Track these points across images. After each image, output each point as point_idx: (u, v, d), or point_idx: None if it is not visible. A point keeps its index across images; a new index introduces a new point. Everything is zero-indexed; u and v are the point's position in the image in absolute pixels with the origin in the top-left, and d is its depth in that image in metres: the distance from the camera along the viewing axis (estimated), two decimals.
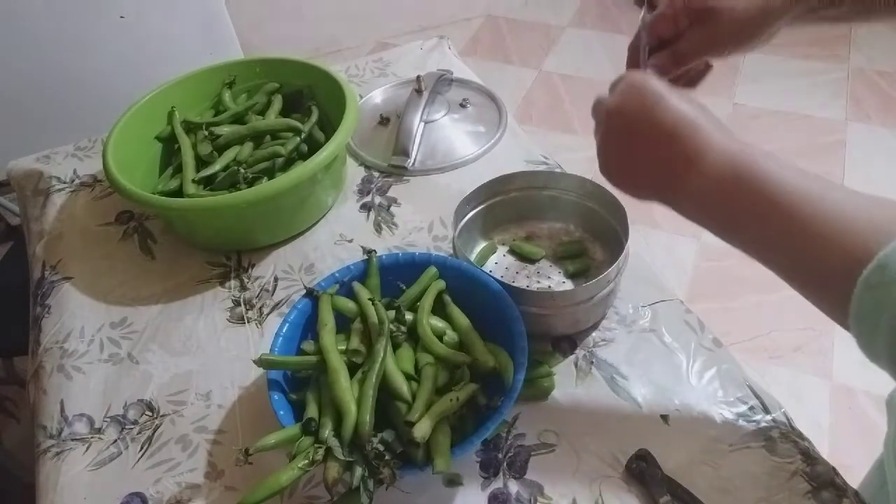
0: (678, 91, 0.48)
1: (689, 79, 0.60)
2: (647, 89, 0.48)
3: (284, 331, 0.64)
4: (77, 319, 0.79)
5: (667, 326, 0.72)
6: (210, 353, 0.75)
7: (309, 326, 0.66)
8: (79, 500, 0.63)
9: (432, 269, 0.68)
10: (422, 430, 0.54)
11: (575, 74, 2.57)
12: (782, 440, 0.62)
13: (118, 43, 1.66)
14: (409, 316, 0.65)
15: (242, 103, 0.96)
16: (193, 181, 0.84)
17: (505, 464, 0.62)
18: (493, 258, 0.80)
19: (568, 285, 0.76)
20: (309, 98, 0.95)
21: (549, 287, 0.76)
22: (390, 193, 0.92)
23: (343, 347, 0.62)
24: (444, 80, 1.04)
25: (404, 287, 0.69)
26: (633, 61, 0.58)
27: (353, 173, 0.96)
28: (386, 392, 0.58)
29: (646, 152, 0.49)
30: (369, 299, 0.65)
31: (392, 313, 0.64)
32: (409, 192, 0.92)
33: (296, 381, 0.63)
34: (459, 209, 0.76)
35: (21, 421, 1.54)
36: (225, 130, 0.90)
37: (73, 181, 0.99)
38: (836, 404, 1.51)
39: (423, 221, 0.87)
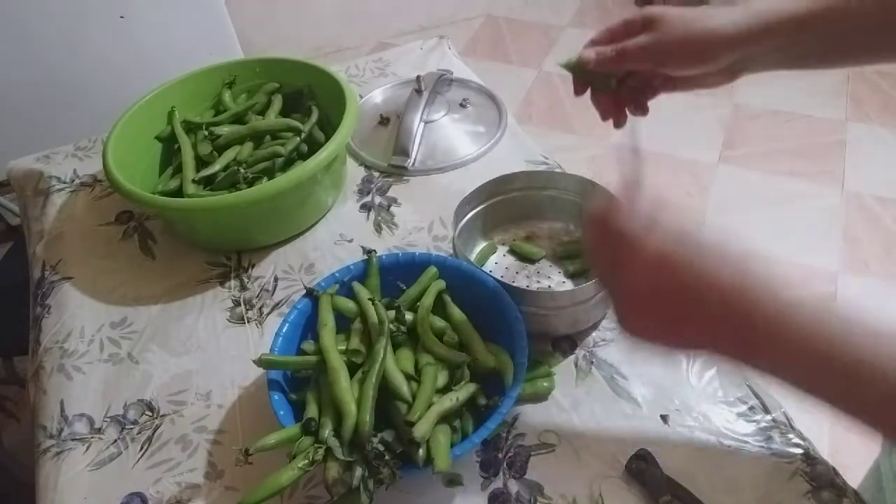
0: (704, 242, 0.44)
1: (637, 102, 0.61)
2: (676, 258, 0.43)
3: (284, 331, 0.64)
4: (77, 319, 0.79)
5: None
6: (210, 353, 0.75)
7: (309, 326, 0.66)
8: (79, 500, 0.63)
9: (432, 269, 0.68)
10: (422, 430, 0.54)
11: None
12: (782, 440, 0.62)
13: (118, 43, 1.66)
14: (409, 316, 0.65)
15: (242, 103, 0.96)
16: (193, 181, 0.84)
17: (505, 464, 0.62)
18: (493, 258, 0.80)
19: (568, 285, 0.76)
20: (309, 98, 0.95)
21: (549, 287, 0.76)
22: (390, 193, 0.92)
23: (343, 347, 0.62)
24: (444, 80, 1.04)
25: (404, 287, 0.69)
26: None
27: (353, 173, 0.96)
28: (386, 392, 0.58)
29: (698, 319, 0.43)
30: (369, 299, 0.65)
31: (392, 313, 0.64)
32: (409, 192, 0.92)
33: (296, 381, 0.63)
34: (459, 209, 0.76)
35: (21, 421, 1.54)
36: (225, 130, 0.90)
37: (73, 181, 0.99)
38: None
39: (423, 221, 0.87)
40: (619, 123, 0.63)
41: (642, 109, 0.62)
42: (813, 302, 0.40)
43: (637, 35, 0.56)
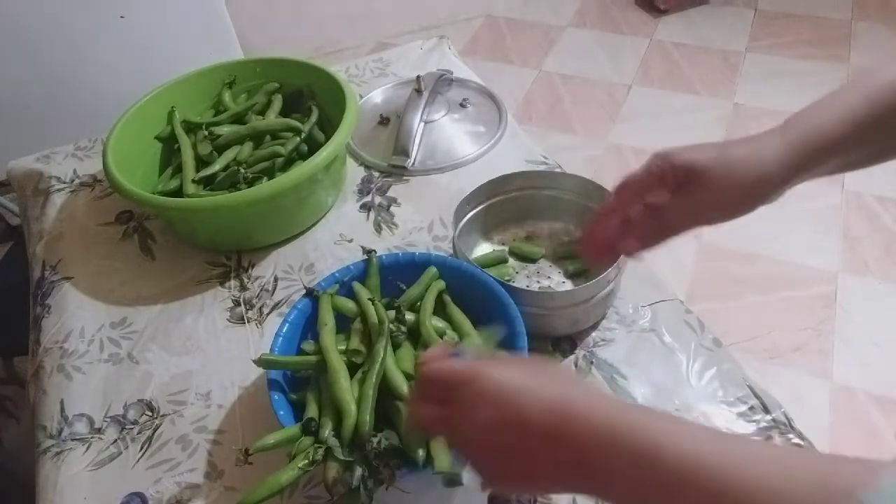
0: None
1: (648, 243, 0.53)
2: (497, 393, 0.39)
3: (284, 331, 0.64)
4: (77, 319, 0.79)
5: (667, 326, 0.72)
6: (210, 353, 0.75)
7: (309, 326, 0.66)
8: (79, 500, 0.63)
9: (432, 269, 0.68)
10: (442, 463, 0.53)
11: (575, 74, 2.57)
12: (782, 440, 0.62)
13: (118, 43, 1.65)
14: (409, 316, 0.65)
15: (242, 103, 0.96)
16: (193, 181, 0.84)
17: None
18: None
19: (568, 285, 0.76)
20: (309, 98, 0.95)
21: (549, 287, 0.76)
22: (390, 193, 0.92)
23: (343, 347, 0.62)
24: (444, 80, 1.04)
25: (404, 287, 0.69)
26: (601, 227, 0.53)
27: (353, 173, 0.96)
28: (386, 392, 0.58)
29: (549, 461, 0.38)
30: (369, 299, 0.65)
31: (392, 313, 0.64)
32: (409, 192, 0.92)
33: (296, 381, 0.63)
34: (459, 209, 0.76)
35: (21, 421, 1.54)
36: (225, 130, 0.90)
37: (73, 181, 0.99)
38: (836, 404, 1.51)
39: (423, 221, 0.87)
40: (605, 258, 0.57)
41: (648, 247, 0.54)
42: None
43: (673, 193, 0.49)
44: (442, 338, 0.64)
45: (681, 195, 0.49)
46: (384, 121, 1.00)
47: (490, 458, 0.41)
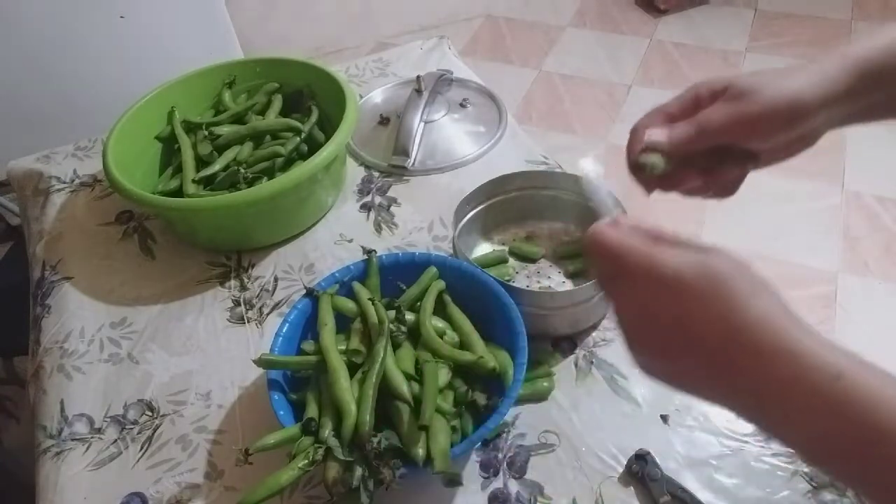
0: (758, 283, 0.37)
1: (721, 185, 0.51)
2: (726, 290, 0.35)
3: (284, 331, 0.64)
4: (77, 319, 0.79)
5: None
6: (210, 353, 0.75)
7: (309, 326, 0.66)
8: (79, 500, 0.63)
9: (432, 269, 0.68)
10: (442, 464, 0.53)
11: (575, 74, 2.57)
12: None
13: (118, 43, 1.65)
14: (409, 316, 0.65)
15: (242, 103, 0.96)
16: (193, 181, 0.84)
17: (505, 464, 0.62)
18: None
19: (568, 285, 0.76)
20: (309, 98, 0.95)
21: (549, 287, 0.76)
22: (390, 193, 0.92)
23: (343, 347, 0.62)
24: (444, 80, 1.04)
25: (404, 287, 0.69)
26: (635, 141, 0.49)
27: (353, 173, 0.96)
28: (386, 392, 0.58)
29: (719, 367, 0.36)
30: (369, 299, 0.65)
31: (392, 313, 0.64)
32: (409, 192, 0.92)
33: (296, 381, 0.63)
34: (459, 209, 0.76)
35: (21, 421, 1.54)
36: (225, 130, 0.90)
37: (73, 181, 0.99)
38: None
39: (423, 221, 0.87)
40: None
41: (728, 192, 0.51)
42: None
43: (708, 107, 0.48)
44: (441, 338, 0.64)
45: (721, 102, 0.47)
46: (384, 121, 1.00)
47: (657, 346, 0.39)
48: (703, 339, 0.36)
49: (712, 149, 0.48)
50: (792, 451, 0.36)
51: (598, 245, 0.40)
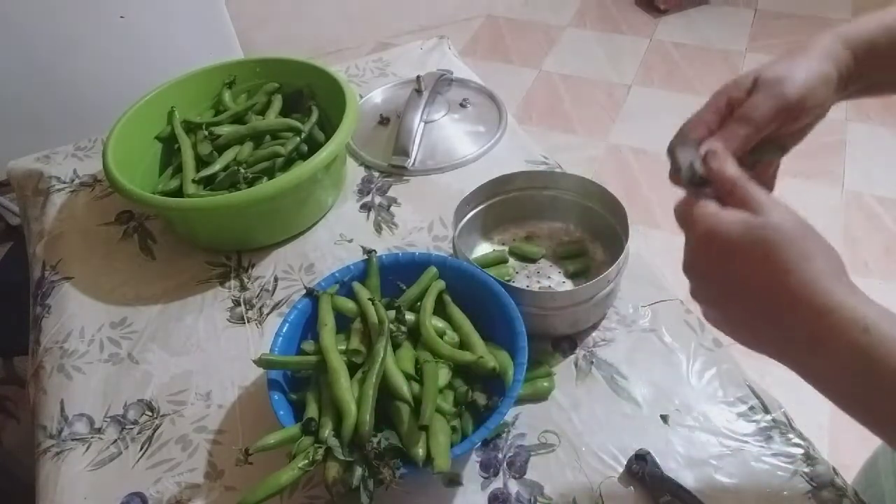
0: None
1: (764, 181, 0.51)
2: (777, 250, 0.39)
3: (284, 331, 0.64)
4: (77, 319, 0.79)
5: (667, 326, 0.72)
6: (210, 353, 0.75)
7: (309, 326, 0.66)
8: (79, 500, 0.63)
9: (432, 269, 0.68)
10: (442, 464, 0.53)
11: (575, 74, 2.57)
12: (782, 440, 0.62)
13: (118, 43, 1.65)
14: (409, 316, 0.65)
15: (242, 103, 0.96)
16: (193, 181, 0.84)
17: (505, 464, 0.62)
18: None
19: (568, 285, 0.76)
20: (309, 98, 0.95)
21: (549, 287, 0.76)
22: (390, 193, 0.92)
23: (343, 347, 0.62)
24: (444, 80, 1.04)
25: (404, 287, 0.69)
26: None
27: (353, 173, 0.96)
28: (386, 392, 0.58)
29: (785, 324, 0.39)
30: (369, 299, 0.65)
31: (392, 313, 0.64)
32: (409, 192, 0.92)
33: (296, 381, 0.63)
34: (459, 209, 0.76)
35: (21, 421, 1.54)
36: (225, 130, 0.90)
37: (73, 181, 0.99)
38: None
39: (423, 221, 0.87)
40: None
41: (771, 186, 0.54)
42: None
43: (746, 101, 0.49)
44: (441, 338, 0.64)
45: (759, 94, 0.48)
46: (384, 121, 1.00)
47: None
48: (752, 297, 0.40)
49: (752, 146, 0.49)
50: (833, 401, 0.39)
51: (681, 215, 0.44)
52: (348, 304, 0.66)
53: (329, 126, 0.89)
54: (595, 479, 0.60)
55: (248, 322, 0.78)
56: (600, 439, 0.63)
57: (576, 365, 0.70)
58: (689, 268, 0.44)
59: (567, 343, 0.72)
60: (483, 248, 0.81)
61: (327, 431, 0.55)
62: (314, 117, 0.91)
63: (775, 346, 0.41)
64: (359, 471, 0.52)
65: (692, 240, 0.43)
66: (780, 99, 0.47)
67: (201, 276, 0.83)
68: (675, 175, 0.47)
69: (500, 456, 0.63)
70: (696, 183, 0.45)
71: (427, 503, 0.60)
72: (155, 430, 0.68)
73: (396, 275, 0.69)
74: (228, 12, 1.76)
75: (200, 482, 0.63)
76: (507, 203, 0.80)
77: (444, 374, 0.60)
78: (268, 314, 0.78)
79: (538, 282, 0.77)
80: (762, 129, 0.48)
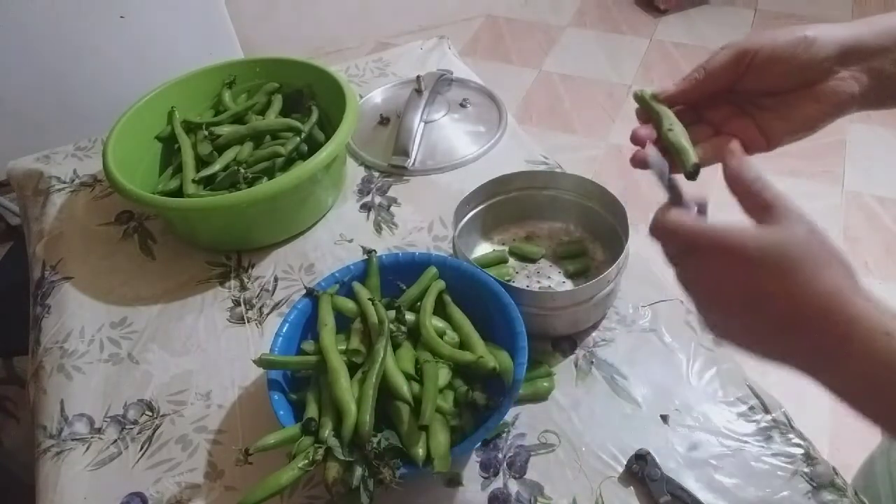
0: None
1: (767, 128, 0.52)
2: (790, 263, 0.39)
3: (284, 331, 0.64)
4: (77, 319, 0.79)
5: (667, 326, 0.72)
6: (210, 353, 0.75)
7: (309, 326, 0.66)
8: (79, 500, 0.63)
9: (432, 269, 0.68)
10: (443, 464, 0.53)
11: (575, 74, 2.57)
12: (782, 440, 0.62)
13: (118, 43, 1.65)
14: (409, 316, 0.65)
15: (242, 103, 0.96)
16: (193, 181, 0.84)
17: (505, 464, 0.62)
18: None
19: (568, 285, 0.76)
20: (309, 98, 0.95)
21: (549, 287, 0.76)
22: (390, 193, 0.92)
23: (343, 347, 0.62)
24: (444, 80, 1.04)
25: (404, 287, 0.69)
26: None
27: (353, 173, 0.96)
28: (386, 392, 0.58)
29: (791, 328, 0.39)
30: (369, 299, 0.65)
31: (392, 313, 0.64)
32: (409, 192, 0.92)
33: (296, 381, 0.63)
34: (459, 209, 0.76)
35: (21, 421, 1.54)
36: (225, 130, 0.90)
37: (73, 181, 0.99)
38: (835, 404, 1.51)
39: (423, 221, 0.87)
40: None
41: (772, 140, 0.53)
42: None
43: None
44: (441, 338, 0.64)
45: (744, 75, 0.49)
46: (384, 121, 1.00)
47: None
48: (772, 310, 0.39)
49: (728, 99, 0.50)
50: (850, 408, 0.40)
51: (668, 228, 0.43)
52: (348, 304, 0.66)
53: (329, 126, 0.89)
54: (595, 479, 0.60)
55: (248, 322, 0.77)
56: (600, 439, 0.63)
57: (576, 365, 0.70)
58: (694, 282, 0.43)
59: (567, 343, 0.72)
60: (483, 248, 0.81)
61: (327, 431, 0.55)
62: (314, 117, 0.91)
63: (801, 358, 0.40)
64: (359, 471, 0.52)
65: (696, 254, 0.42)
66: (735, 47, 0.48)
67: (201, 276, 0.83)
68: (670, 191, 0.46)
69: (500, 456, 0.63)
70: (672, 186, 0.45)
71: (427, 503, 0.60)
72: (155, 430, 0.68)
73: (396, 275, 0.69)
74: (228, 12, 1.75)
75: (200, 482, 0.63)
76: (507, 203, 0.80)
77: (444, 374, 0.60)
78: (268, 314, 0.78)
79: (538, 282, 0.77)
80: (716, 77, 0.49)
